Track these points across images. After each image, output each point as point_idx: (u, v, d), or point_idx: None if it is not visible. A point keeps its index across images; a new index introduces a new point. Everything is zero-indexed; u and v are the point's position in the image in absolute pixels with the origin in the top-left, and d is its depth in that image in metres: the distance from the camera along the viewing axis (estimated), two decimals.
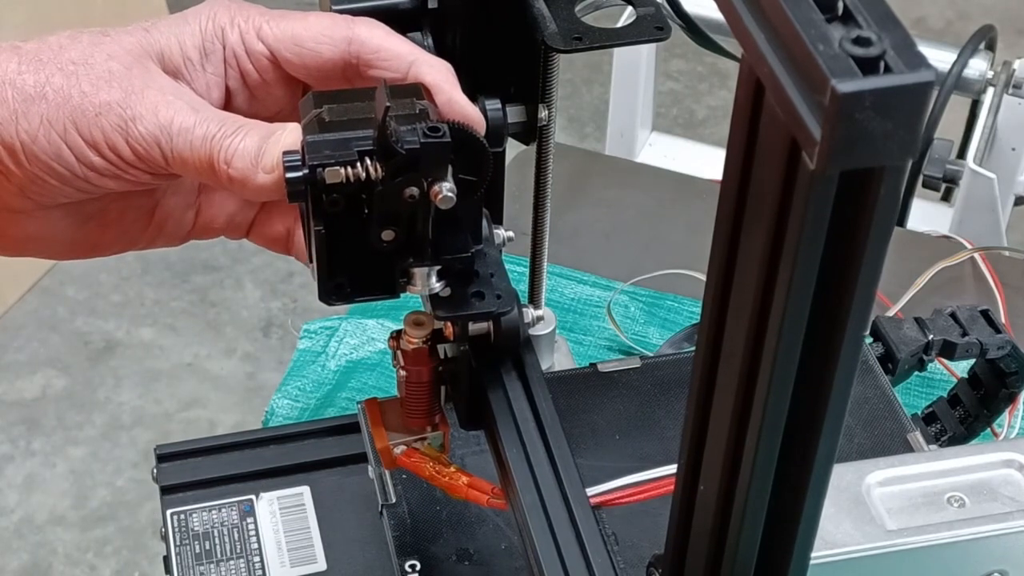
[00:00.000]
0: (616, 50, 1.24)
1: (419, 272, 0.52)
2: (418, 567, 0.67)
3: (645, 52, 1.26)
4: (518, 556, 0.68)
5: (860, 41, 0.31)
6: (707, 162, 1.30)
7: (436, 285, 0.53)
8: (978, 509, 0.51)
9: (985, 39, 1.16)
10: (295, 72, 0.55)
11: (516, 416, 0.57)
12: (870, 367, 0.76)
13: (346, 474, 0.74)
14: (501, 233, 0.59)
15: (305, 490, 0.73)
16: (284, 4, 0.61)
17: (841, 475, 0.50)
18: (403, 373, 0.59)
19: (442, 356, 0.59)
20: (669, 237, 1.04)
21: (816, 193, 0.34)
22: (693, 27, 0.99)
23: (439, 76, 0.53)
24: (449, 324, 0.57)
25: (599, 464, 0.71)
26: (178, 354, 1.94)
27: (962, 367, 0.83)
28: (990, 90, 1.16)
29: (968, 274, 0.99)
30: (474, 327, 0.56)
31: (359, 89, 0.53)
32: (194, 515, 0.71)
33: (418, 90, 0.52)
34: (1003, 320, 0.86)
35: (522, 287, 0.80)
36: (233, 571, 0.69)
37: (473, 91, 0.55)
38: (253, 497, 0.72)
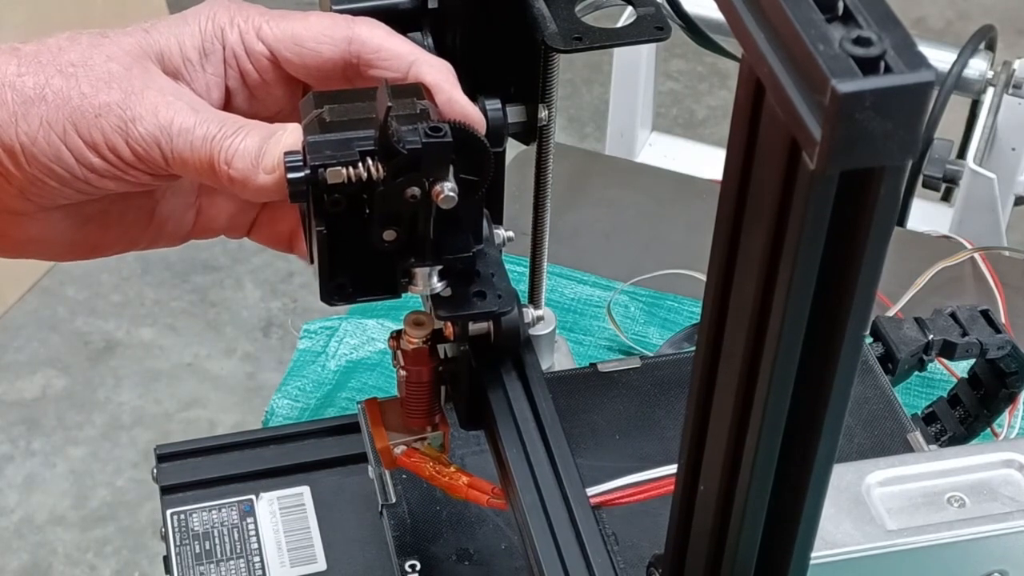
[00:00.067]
0: (616, 50, 1.24)
1: (420, 272, 0.52)
2: (418, 567, 0.67)
3: (645, 52, 1.26)
4: (518, 556, 0.68)
5: (860, 41, 0.31)
6: (707, 162, 1.30)
7: (437, 285, 0.53)
8: (978, 509, 0.51)
9: (985, 39, 1.16)
10: (295, 72, 0.55)
11: (516, 416, 0.57)
12: (870, 367, 0.76)
13: (346, 474, 0.74)
14: (501, 233, 0.59)
15: (305, 490, 0.73)
16: (284, 4, 0.61)
17: (841, 475, 0.50)
18: (403, 373, 0.59)
19: (442, 356, 0.59)
20: (669, 237, 1.04)
21: (816, 193, 0.34)
22: (693, 27, 0.99)
23: (439, 76, 0.53)
24: (449, 324, 0.57)
25: (599, 464, 0.71)
26: (178, 354, 1.94)
27: (962, 367, 0.83)
28: (990, 90, 1.15)
29: (968, 274, 0.99)
30: (474, 327, 0.56)
31: (360, 89, 0.53)
32: (194, 515, 0.71)
33: (419, 90, 0.52)
34: (1003, 320, 0.86)
35: (522, 287, 0.80)
36: (233, 571, 0.69)
37: (473, 91, 0.55)
38: (253, 497, 0.72)
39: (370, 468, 0.71)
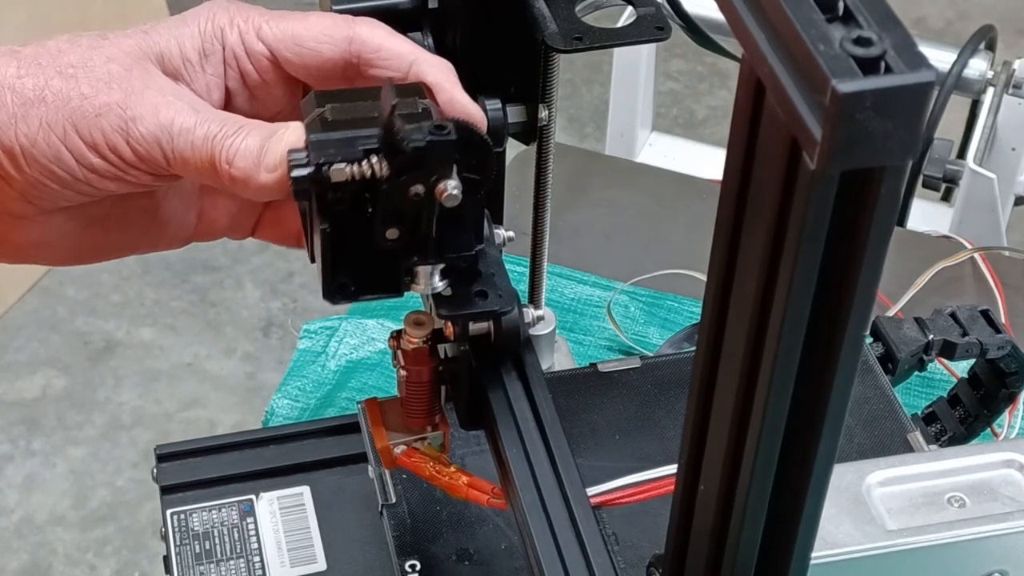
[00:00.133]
0: (616, 50, 1.24)
1: (423, 270, 0.52)
2: (418, 567, 0.67)
3: (645, 52, 1.26)
4: (518, 556, 0.68)
5: (861, 41, 0.31)
6: (707, 162, 1.30)
7: (439, 284, 0.53)
8: (978, 509, 0.51)
9: (985, 39, 1.16)
10: (295, 72, 0.55)
11: (516, 416, 0.57)
12: (870, 367, 0.76)
13: (346, 474, 0.74)
14: (501, 233, 0.59)
15: (305, 490, 0.73)
16: (284, 4, 0.61)
17: (841, 475, 0.50)
18: (403, 373, 0.59)
19: (442, 356, 0.59)
20: (669, 237, 1.04)
21: (816, 193, 0.34)
22: (693, 27, 0.99)
23: (440, 75, 0.53)
24: (449, 324, 0.57)
25: (599, 464, 0.71)
26: (178, 354, 1.94)
27: (962, 367, 0.83)
28: (990, 90, 1.16)
29: (968, 274, 0.99)
30: (474, 327, 0.56)
31: (362, 89, 0.53)
32: (194, 515, 0.71)
33: (420, 89, 0.52)
34: (1003, 320, 0.86)
35: (522, 287, 0.80)
36: (233, 571, 0.69)
37: (473, 91, 0.55)
38: (253, 497, 0.72)
39: (370, 468, 0.71)
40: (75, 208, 0.54)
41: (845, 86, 0.30)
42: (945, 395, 0.80)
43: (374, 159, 0.48)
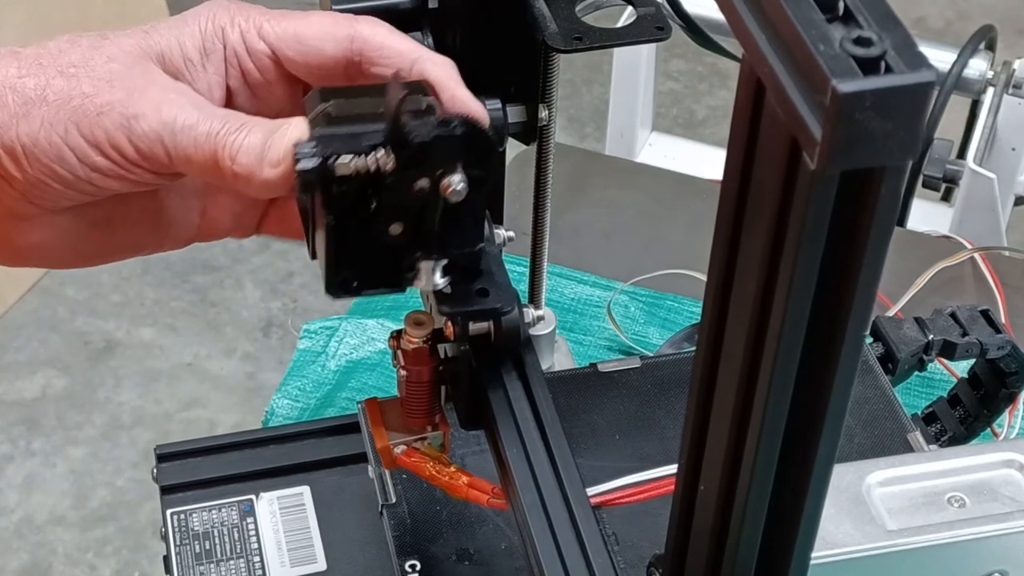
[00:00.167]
0: (616, 50, 1.24)
1: (424, 266, 0.52)
2: (418, 567, 0.67)
3: (645, 52, 1.26)
4: (518, 556, 0.68)
5: (861, 41, 0.31)
6: (707, 162, 1.30)
7: (440, 281, 0.53)
8: (978, 509, 0.51)
9: (985, 39, 1.16)
10: (296, 70, 0.55)
11: (516, 416, 0.57)
12: (870, 367, 0.76)
13: (346, 474, 0.74)
14: (501, 233, 0.59)
15: (305, 490, 0.73)
16: (284, 4, 0.61)
17: (841, 475, 0.50)
18: (403, 373, 0.59)
19: (442, 356, 0.59)
20: (669, 237, 1.04)
21: (817, 193, 0.34)
22: (693, 27, 0.99)
23: (443, 73, 0.53)
24: (450, 324, 0.57)
25: (599, 464, 0.71)
26: (178, 354, 1.94)
27: (962, 367, 0.83)
28: (990, 90, 1.16)
29: (968, 274, 0.99)
30: (475, 327, 0.56)
31: (365, 86, 0.53)
32: (194, 515, 0.71)
33: (423, 87, 0.52)
34: (1003, 320, 0.86)
35: (522, 287, 0.80)
36: (233, 571, 0.69)
37: (473, 91, 0.55)
38: (253, 497, 0.72)
39: (370, 468, 0.71)
40: (78, 209, 0.54)
41: (845, 86, 0.30)
42: (945, 395, 0.80)
43: (380, 153, 0.48)
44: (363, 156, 0.48)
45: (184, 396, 1.89)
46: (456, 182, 0.49)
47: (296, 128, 0.50)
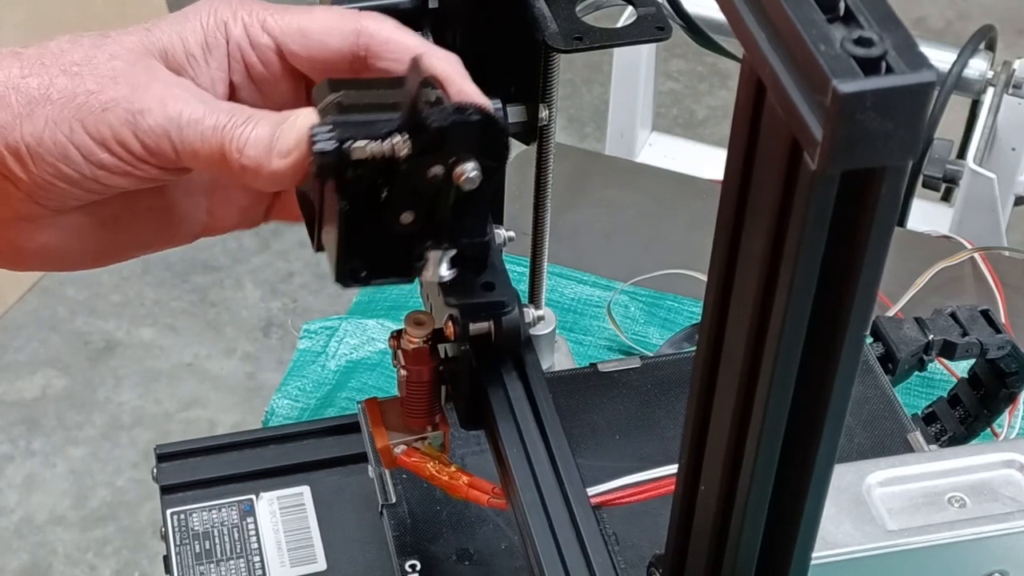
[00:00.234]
0: (616, 50, 1.24)
1: (433, 256, 0.52)
2: (418, 567, 0.67)
3: (645, 52, 1.26)
4: (518, 556, 0.68)
5: (861, 41, 0.31)
6: (707, 162, 1.30)
7: (446, 272, 0.53)
8: (979, 509, 0.51)
9: (985, 39, 1.16)
10: (300, 65, 0.55)
11: (516, 416, 0.57)
12: (870, 367, 0.76)
13: (346, 474, 0.74)
14: (501, 233, 0.59)
15: (305, 490, 0.73)
16: (285, 1, 0.61)
17: (842, 475, 0.50)
18: (403, 373, 0.59)
19: (443, 356, 0.59)
20: (669, 237, 1.04)
21: (817, 193, 0.34)
22: (693, 27, 0.99)
23: (449, 68, 0.53)
24: (450, 323, 0.57)
25: (599, 464, 0.71)
26: (178, 354, 1.94)
27: (962, 367, 0.83)
28: (990, 90, 1.15)
29: (968, 274, 0.99)
30: (475, 327, 0.56)
31: (373, 79, 0.53)
32: (194, 515, 0.71)
33: (430, 81, 0.52)
34: (1003, 320, 0.86)
35: (522, 287, 0.80)
36: (233, 571, 0.69)
37: None
38: (253, 497, 0.72)
39: (370, 468, 0.71)
40: (84, 209, 0.54)
41: (846, 86, 0.30)
42: (945, 395, 0.80)
43: (396, 138, 0.48)
44: (379, 141, 0.48)
45: (184, 396, 1.89)
46: (470, 169, 0.49)
47: (306, 118, 0.50)
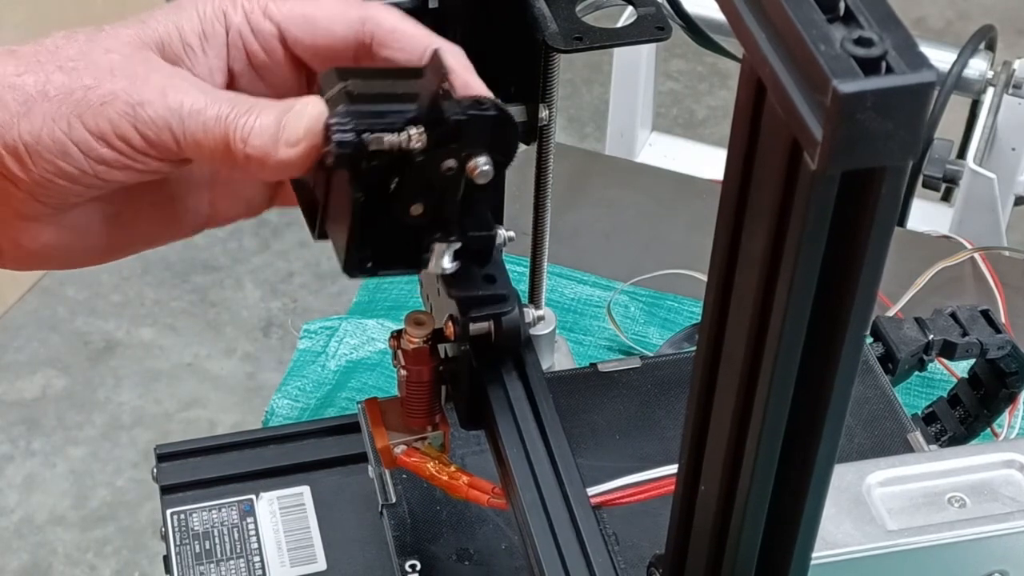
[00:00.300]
0: (616, 50, 1.24)
1: (438, 248, 0.52)
2: (418, 567, 0.67)
3: (645, 52, 1.26)
4: (518, 556, 0.68)
5: (862, 41, 0.31)
6: (707, 162, 1.30)
7: (449, 265, 0.53)
8: (979, 509, 0.51)
9: (985, 39, 1.16)
10: (303, 52, 0.54)
11: (516, 416, 0.57)
12: (870, 367, 0.76)
13: (346, 474, 0.74)
14: (501, 233, 0.59)
15: (305, 490, 0.73)
16: None
17: (842, 475, 0.50)
18: (403, 372, 0.59)
19: (442, 356, 0.59)
20: (669, 237, 1.04)
21: (817, 193, 0.34)
22: (693, 27, 0.99)
23: (455, 61, 0.53)
24: (450, 323, 0.57)
25: (599, 464, 0.71)
26: (178, 354, 1.94)
27: (962, 367, 0.83)
28: (990, 90, 1.16)
29: (968, 274, 0.99)
30: (475, 327, 0.56)
31: (378, 69, 0.53)
32: (194, 515, 0.71)
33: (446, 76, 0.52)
34: (1003, 320, 0.86)
35: (522, 287, 0.80)
36: (233, 571, 0.69)
37: None
38: (253, 497, 0.72)
39: (370, 468, 0.71)
40: (86, 206, 0.53)
41: (846, 86, 0.30)
42: (945, 395, 0.80)
43: (413, 130, 0.48)
44: (396, 133, 0.48)
45: (184, 396, 1.89)
46: (483, 163, 0.49)
47: (315, 106, 0.50)
